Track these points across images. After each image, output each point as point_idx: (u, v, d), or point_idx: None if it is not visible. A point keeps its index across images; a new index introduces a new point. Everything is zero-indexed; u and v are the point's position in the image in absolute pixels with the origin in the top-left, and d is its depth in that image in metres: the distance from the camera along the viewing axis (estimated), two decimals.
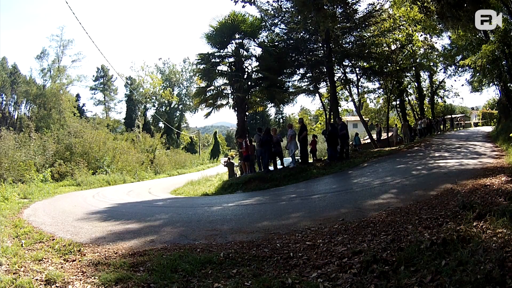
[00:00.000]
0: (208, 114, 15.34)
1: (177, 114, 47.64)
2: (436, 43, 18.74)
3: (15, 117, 34.84)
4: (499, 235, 2.60)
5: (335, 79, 15.37)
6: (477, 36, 13.36)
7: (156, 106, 46.73)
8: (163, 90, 44.82)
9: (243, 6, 7.91)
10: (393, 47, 16.55)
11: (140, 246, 3.85)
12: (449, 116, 27.13)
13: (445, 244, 2.62)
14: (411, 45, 16.98)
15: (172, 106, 46.80)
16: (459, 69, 21.46)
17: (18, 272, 2.99)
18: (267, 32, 15.09)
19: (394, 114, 25.24)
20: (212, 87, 14.99)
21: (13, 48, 62.65)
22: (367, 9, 14.00)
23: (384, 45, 15.83)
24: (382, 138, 19.36)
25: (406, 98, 22.81)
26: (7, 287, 2.67)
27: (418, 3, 10.11)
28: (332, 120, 14.30)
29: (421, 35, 16.54)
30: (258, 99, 15.55)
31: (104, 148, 19.38)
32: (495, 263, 2.14)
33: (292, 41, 14.89)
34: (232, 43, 14.39)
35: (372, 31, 14.81)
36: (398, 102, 21.99)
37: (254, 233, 4.10)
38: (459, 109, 39.21)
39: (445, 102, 26.85)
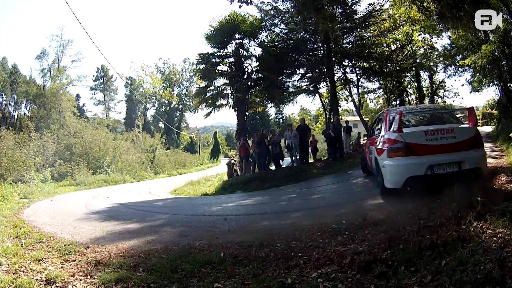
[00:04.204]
0: (208, 114, 15.37)
1: (177, 114, 47.60)
2: (436, 43, 18.72)
3: (15, 117, 34.77)
4: (499, 235, 2.60)
5: (335, 79, 15.37)
6: (477, 36, 13.34)
7: (156, 106, 46.71)
8: (163, 90, 44.79)
9: (240, 6, 7.85)
10: (393, 47, 16.54)
11: (140, 246, 3.86)
12: None
13: (445, 244, 2.61)
14: (411, 45, 16.97)
15: (172, 106, 46.76)
16: (459, 69, 21.39)
17: (18, 272, 2.99)
18: (267, 32, 15.11)
19: None
20: (212, 87, 15.01)
21: (13, 48, 62.37)
22: (367, 9, 14.02)
23: (384, 45, 15.82)
24: None
25: (406, 98, 22.77)
26: (7, 287, 2.67)
27: (418, 3, 10.11)
28: (332, 120, 14.31)
29: (420, 34, 16.53)
30: (258, 99, 15.57)
31: (104, 148, 19.37)
32: (495, 263, 2.14)
33: (292, 41, 14.89)
34: (232, 43, 14.41)
35: (372, 31, 14.81)
36: (398, 102, 21.96)
37: (254, 233, 4.10)
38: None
39: (445, 102, 26.81)
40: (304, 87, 16.46)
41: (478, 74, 17.94)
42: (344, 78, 16.68)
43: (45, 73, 35.64)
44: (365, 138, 22.63)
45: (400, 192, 4.56)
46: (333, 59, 14.45)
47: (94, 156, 18.03)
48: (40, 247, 3.89)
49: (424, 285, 2.15)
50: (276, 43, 14.86)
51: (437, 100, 25.47)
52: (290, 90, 16.41)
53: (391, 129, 4.76)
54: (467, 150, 4.40)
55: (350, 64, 16.27)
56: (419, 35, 16.58)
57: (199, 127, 54.91)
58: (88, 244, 4.01)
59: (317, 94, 16.75)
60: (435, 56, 20.25)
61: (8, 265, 3.15)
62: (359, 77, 17.29)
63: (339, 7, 13.39)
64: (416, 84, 22.64)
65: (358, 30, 14.67)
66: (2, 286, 2.66)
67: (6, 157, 13.21)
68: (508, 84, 14.61)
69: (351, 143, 16.13)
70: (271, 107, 18.87)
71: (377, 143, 5.15)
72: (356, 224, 3.88)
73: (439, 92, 24.95)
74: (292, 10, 13.30)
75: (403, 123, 4.80)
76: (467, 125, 4.76)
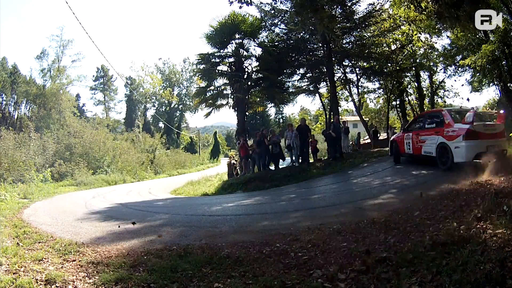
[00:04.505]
0: (208, 114, 15.40)
1: (177, 114, 47.60)
2: (436, 43, 18.69)
3: (15, 117, 34.74)
4: (499, 235, 2.60)
5: (335, 79, 15.38)
6: (477, 36, 13.32)
7: (156, 106, 46.74)
8: (163, 90, 44.80)
9: (240, 7, 7.83)
10: (393, 47, 16.54)
11: (140, 246, 3.85)
12: None
13: (445, 244, 2.62)
14: (411, 45, 16.97)
15: (172, 106, 46.77)
16: (459, 69, 21.33)
17: (18, 272, 2.98)
18: (267, 32, 15.15)
19: (394, 114, 25.20)
20: (212, 87, 15.04)
21: (13, 48, 62.28)
22: (367, 9, 14.04)
23: (384, 45, 15.82)
24: (381, 138, 19.32)
25: (406, 98, 22.74)
26: (7, 287, 2.66)
27: (415, 3, 10.10)
28: (332, 120, 14.31)
29: (415, 34, 16.50)
30: (258, 99, 15.61)
31: (104, 148, 19.36)
32: (495, 263, 2.14)
33: (292, 41, 14.91)
34: (232, 43, 14.44)
35: (372, 31, 14.81)
36: (398, 102, 21.93)
37: (254, 233, 4.10)
38: None
39: (445, 102, 26.79)
40: (304, 87, 16.49)
41: (478, 74, 17.89)
42: (344, 78, 16.70)
43: (45, 73, 35.66)
44: (365, 138, 22.43)
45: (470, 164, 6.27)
46: (333, 59, 14.45)
47: (94, 156, 18.02)
48: (40, 247, 3.89)
49: (424, 285, 2.15)
50: (276, 43, 14.88)
51: (437, 100, 25.44)
52: (290, 90, 16.46)
53: (463, 122, 6.72)
54: (501, 138, 6.79)
55: (350, 64, 16.28)
56: (415, 34, 16.58)
57: (199, 127, 54.99)
58: (88, 244, 4.01)
59: (317, 94, 16.78)
60: (435, 56, 20.21)
61: (8, 265, 3.15)
62: (359, 77, 17.31)
63: (339, 7, 13.40)
64: (416, 84, 22.57)
65: (358, 30, 14.69)
66: (2, 286, 2.66)
67: (6, 157, 13.21)
68: (508, 84, 14.59)
69: (351, 143, 16.13)
70: (271, 107, 18.95)
71: (447, 132, 6.97)
72: (356, 224, 3.89)
73: (439, 92, 24.88)
74: (292, 10, 13.32)
75: (456, 118, 7.04)
76: (497, 123, 7.06)
